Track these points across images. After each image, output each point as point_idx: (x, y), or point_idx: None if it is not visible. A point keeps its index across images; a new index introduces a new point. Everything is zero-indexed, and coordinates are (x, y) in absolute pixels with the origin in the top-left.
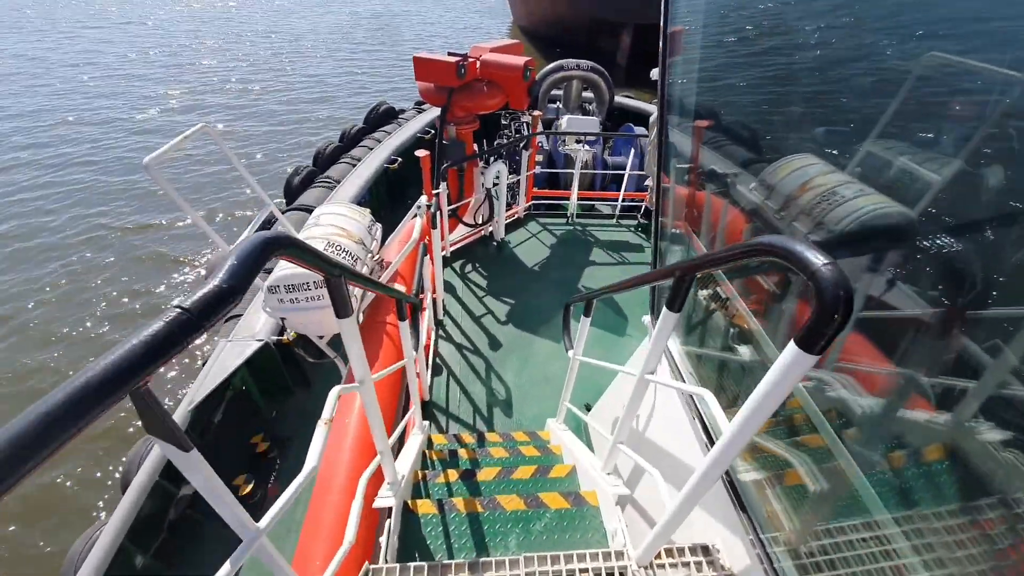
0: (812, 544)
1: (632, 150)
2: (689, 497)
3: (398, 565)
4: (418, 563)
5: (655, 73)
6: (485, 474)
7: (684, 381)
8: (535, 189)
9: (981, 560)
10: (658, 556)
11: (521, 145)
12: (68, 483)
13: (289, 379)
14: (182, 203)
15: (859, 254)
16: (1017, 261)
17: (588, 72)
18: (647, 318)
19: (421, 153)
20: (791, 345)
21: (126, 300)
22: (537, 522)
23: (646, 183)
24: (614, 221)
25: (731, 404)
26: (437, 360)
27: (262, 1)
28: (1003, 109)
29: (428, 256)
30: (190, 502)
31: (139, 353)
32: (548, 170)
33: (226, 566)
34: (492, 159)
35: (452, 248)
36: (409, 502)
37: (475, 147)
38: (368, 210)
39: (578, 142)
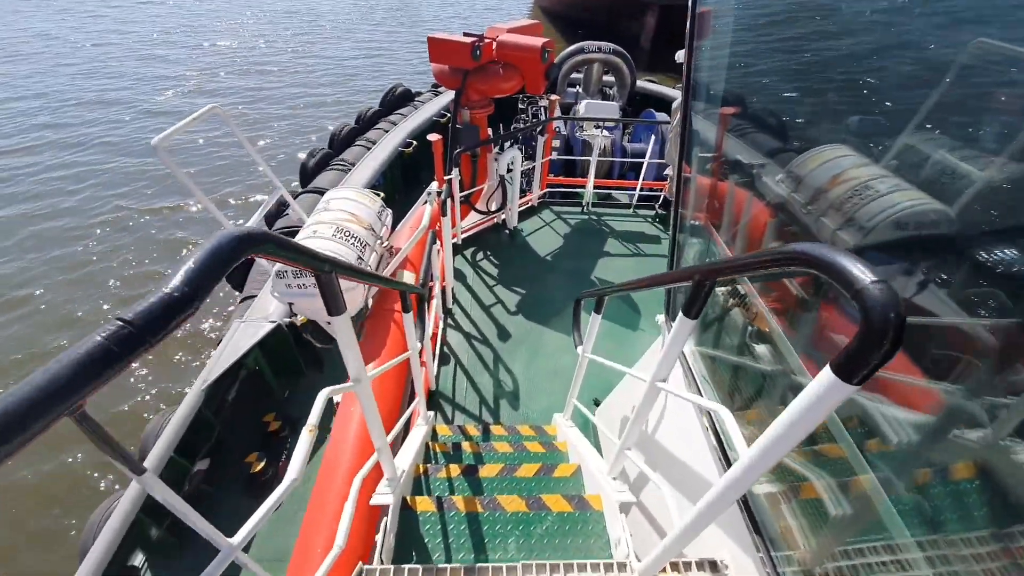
0: (828, 566)
1: (652, 137)
2: (701, 517)
3: (392, 567)
4: (413, 566)
5: (680, 56)
6: (488, 470)
7: (698, 385)
8: (550, 176)
9: None
10: (663, 570)
11: (537, 130)
12: (81, 465)
13: (301, 360)
14: (190, 185)
15: (892, 253)
16: None
17: (610, 55)
18: (661, 317)
19: (433, 137)
20: (827, 372)
21: (142, 282)
22: (538, 525)
23: (666, 172)
24: (631, 211)
25: (745, 407)
26: (445, 349)
27: None
28: None
29: (438, 244)
30: (204, 477)
31: (68, 375)
32: (564, 157)
33: None
34: (507, 145)
35: (464, 235)
36: (408, 499)
37: (489, 132)
38: (380, 195)
39: (596, 127)
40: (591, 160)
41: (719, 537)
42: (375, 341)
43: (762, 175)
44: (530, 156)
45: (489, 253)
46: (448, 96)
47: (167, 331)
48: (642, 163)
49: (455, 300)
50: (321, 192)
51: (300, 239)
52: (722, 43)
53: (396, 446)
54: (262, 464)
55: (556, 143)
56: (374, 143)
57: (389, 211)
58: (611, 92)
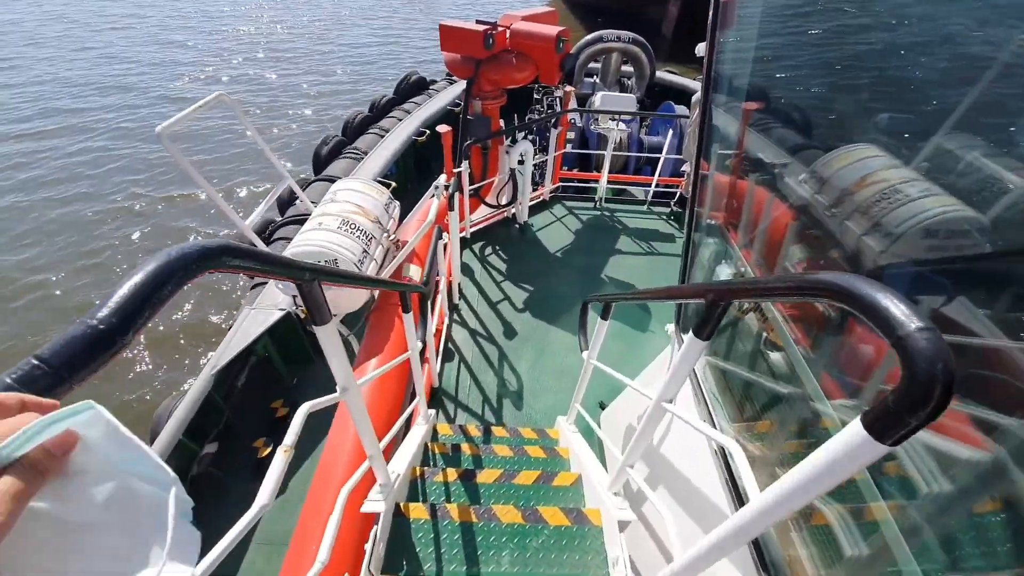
0: None
1: (670, 131)
2: (707, 554)
3: None
4: None
5: (700, 49)
6: (486, 476)
7: (707, 403)
8: (563, 170)
9: None
10: None
11: (551, 122)
12: None
13: (310, 348)
14: (194, 174)
15: (919, 260)
16: None
17: (629, 44)
18: (671, 327)
19: (443, 129)
20: (856, 426)
21: None
22: (534, 538)
23: (683, 168)
24: (645, 207)
25: (757, 427)
26: (449, 345)
27: None
28: None
29: (445, 238)
30: (212, 460)
31: None
32: (578, 150)
33: None
34: (519, 137)
35: (472, 229)
36: (401, 505)
37: (502, 123)
38: (392, 185)
39: (612, 120)
40: (606, 154)
41: (721, 563)
42: (379, 335)
43: (784, 174)
44: (543, 149)
45: (498, 247)
46: (463, 84)
47: (90, 371)
48: (659, 158)
49: (461, 295)
50: (332, 180)
51: (305, 231)
52: (747, 35)
53: (395, 445)
54: (269, 449)
55: (571, 135)
56: (387, 131)
57: (396, 203)
58: (629, 83)
